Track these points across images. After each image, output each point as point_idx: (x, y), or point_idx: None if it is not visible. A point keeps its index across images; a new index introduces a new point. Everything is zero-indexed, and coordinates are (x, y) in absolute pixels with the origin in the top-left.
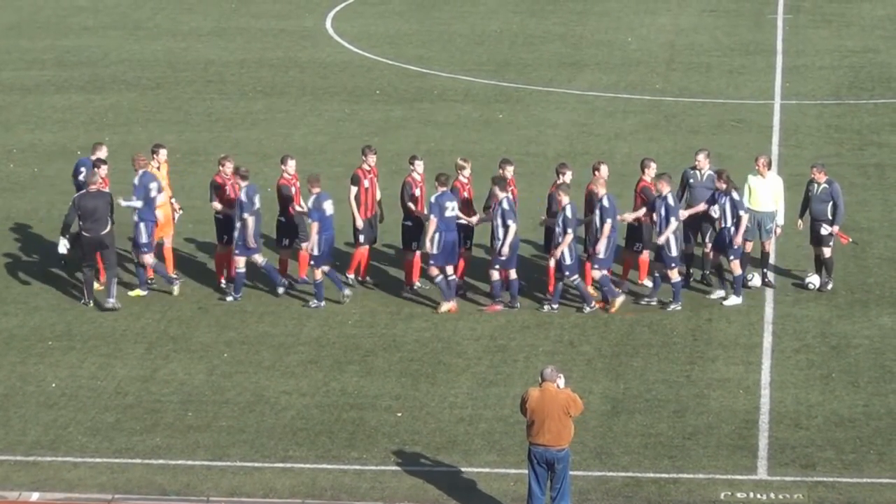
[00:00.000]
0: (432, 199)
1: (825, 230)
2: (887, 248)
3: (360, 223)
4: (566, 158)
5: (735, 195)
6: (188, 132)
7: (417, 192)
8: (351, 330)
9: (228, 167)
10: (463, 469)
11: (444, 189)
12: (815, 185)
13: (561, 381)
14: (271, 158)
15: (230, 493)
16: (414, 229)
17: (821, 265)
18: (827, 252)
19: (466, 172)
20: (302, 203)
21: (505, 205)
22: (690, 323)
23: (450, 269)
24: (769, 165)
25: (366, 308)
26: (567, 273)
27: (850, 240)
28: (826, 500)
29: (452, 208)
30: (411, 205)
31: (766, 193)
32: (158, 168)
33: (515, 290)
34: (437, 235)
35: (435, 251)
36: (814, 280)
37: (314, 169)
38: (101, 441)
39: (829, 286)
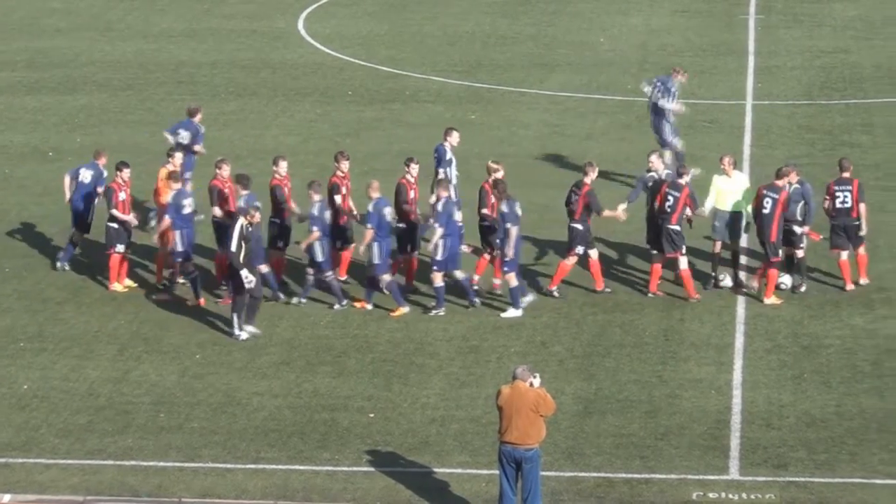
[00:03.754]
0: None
1: (798, 230)
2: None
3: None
4: (538, 159)
5: (505, 206)
6: (160, 133)
7: (412, 195)
8: (323, 331)
9: (226, 170)
10: (435, 470)
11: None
12: (788, 186)
13: (536, 381)
14: (243, 159)
15: (202, 495)
16: (408, 232)
17: (793, 266)
18: (799, 253)
19: (500, 175)
20: (293, 204)
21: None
22: (663, 323)
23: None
24: (734, 165)
25: (338, 309)
26: (506, 269)
27: (822, 237)
28: (798, 500)
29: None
30: (405, 206)
31: (732, 193)
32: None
33: (466, 288)
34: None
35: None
36: (785, 280)
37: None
38: (72, 443)
39: (803, 288)
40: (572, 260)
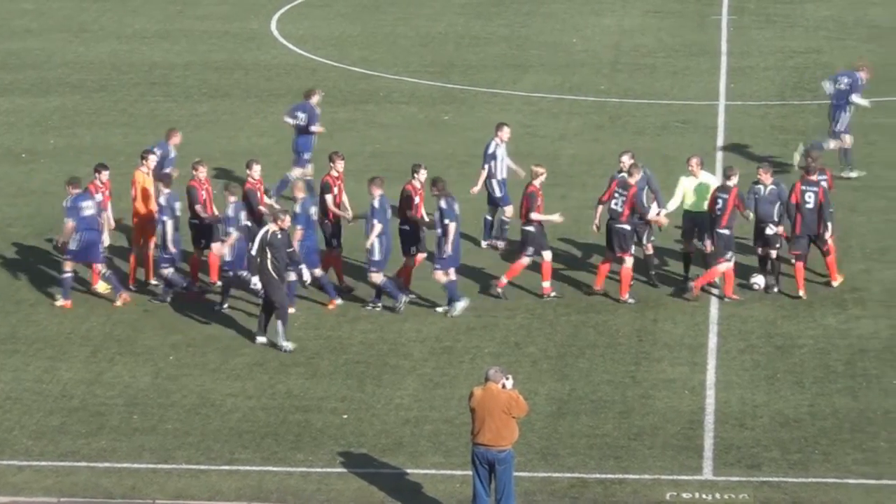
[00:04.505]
0: (443, 205)
1: (770, 230)
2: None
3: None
4: (511, 159)
5: (443, 203)
6: (133, 134)
7: (417, 200)
8: (296, 332)
9: (202, 171)
10: (409, 471)
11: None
12: (762, 187)
13: (509, 383)
14: (216, 161)
15: (176, 496)
16: (412, 234)
17: (766, 266)
18: (773, 253)
19: (543, 178)
20: (268, 201)
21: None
22: (636, 324)
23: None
24: (702, 165)
25: (311, 310)
26: (438, 266)
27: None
28: (771, 500)
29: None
30: (410, 212)
31: (700, 194)
32: (148, 173)
33: (391, 289)
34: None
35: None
36: (759, 280)
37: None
38: (46, 444)
39: (776, 288)
40: (629, 261)
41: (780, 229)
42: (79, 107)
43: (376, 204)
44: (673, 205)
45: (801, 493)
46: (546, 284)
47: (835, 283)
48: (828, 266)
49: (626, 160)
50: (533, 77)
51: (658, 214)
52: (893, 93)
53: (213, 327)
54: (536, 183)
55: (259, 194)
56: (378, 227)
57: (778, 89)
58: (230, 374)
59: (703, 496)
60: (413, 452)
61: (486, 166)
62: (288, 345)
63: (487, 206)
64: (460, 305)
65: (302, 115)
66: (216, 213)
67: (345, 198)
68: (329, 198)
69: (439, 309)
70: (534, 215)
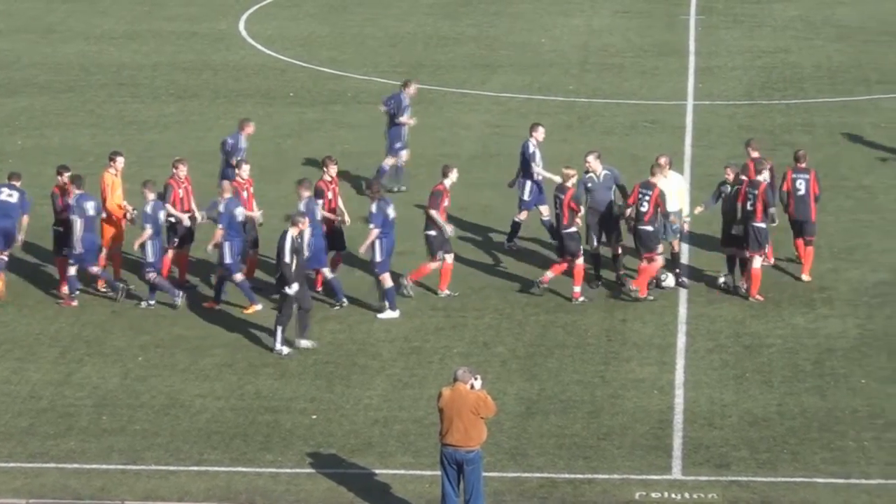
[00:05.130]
0: (374, 209)
1: (736, 230)
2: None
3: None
4: (480, 160)
5: (374, 207)
6: (101, 135)
7: (446, 202)
8: (266, 333)
9: (182, 170)
10: (378, 471)
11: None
12: (729, 186)
13: (477, 383)
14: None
15: (145, 497)
16: (440, 238)
17: (734, 265)
18: (748, 252)
19: (574, 180)
20: (255, 207)
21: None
22: (605, 324)
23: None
24: (670, 165)
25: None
26: (378, 270)
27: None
28: (740, 499)
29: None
30: (434, 212)
31: (668, 193)
32: (116, 175)
33: (337, 288)
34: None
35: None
36: (728, 280)
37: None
38: (14, 446)
39: (745, 286)
40: (660, 261)
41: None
42: (47, 107)
43: (302, 207)
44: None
45: (769, 493)
46: (577, 289)
47: (804, 278)
48: (805, 257)
49: (592, 160)
50: (501, 77)
51: (627, 214)
52: (860, 92)
53: (182, 328)
54: (569, 183)
55: (247, 195)
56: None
57: (746, 89)
58: (199, 375)
59: (672, 496)
60: (382, 453)
61: (532, 166)
62: (284, 349)
63: (518, 209)
64: (390, 314)
65: (393, 105)
66: (195, 211)
67: (340, 202)
68: (320, 202)
69: (381, 316)
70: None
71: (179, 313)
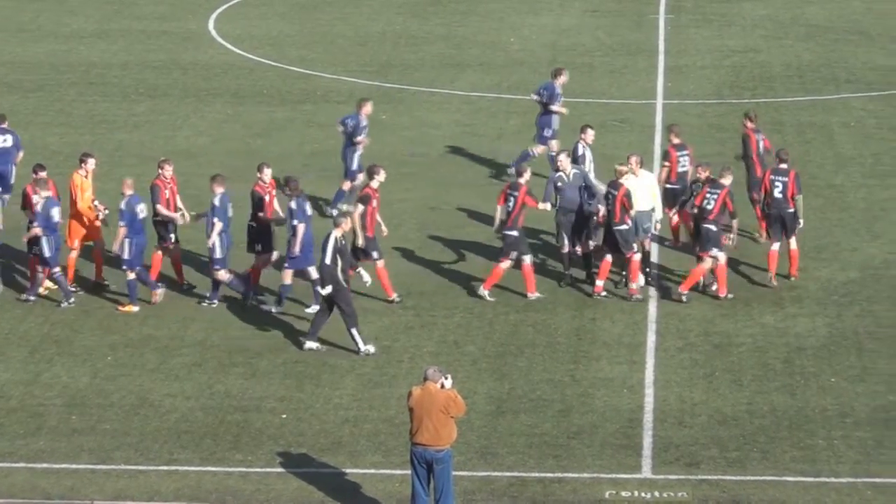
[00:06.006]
0: (293, 206)
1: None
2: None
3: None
4: (449, 159)
5: (293, 204)
6: (71, 134)
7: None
8: (235, 332)
9: (168, 170)
10: (348, 470)
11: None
12: (701, 184)
13: (448, 382)
14: (154, 161)
15: (115, 497)
16: (520, 239)
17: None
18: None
19: (627, 178)
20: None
21: (292, 205)
22: (575, 322)
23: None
24: (642, 164)
25: (250, 311)
26: (287, 265)
27: (729, 241)
28: (710, 497)
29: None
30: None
31: (640, 193)
32: (87, 176)
33: (237, 285)
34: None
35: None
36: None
37: (197, 171)
38: None
39: (714, 286)
40: (722, 257)
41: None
42: (16, 107)
43: (217, 202)
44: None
45: (739, 491)
46: (634, 286)
47: (793, 278)
48: (792, 258)
49: (563, 159)
50: (471, 76)
51: (598, 213)
52: (829, 91)
53: (151, 327)
54: (623, 180)
55: (269, 198)
56: (219, 225)
57: (715, 88)
58: (169, 375)
59: (642, 495)
60: (352, 452)
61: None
62: (370, 347)
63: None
64: (274, 307)
65: (544, 94)
66: (182, 209)
67: (276, 204)
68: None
69: (265, 307)
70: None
71: (149, 313)
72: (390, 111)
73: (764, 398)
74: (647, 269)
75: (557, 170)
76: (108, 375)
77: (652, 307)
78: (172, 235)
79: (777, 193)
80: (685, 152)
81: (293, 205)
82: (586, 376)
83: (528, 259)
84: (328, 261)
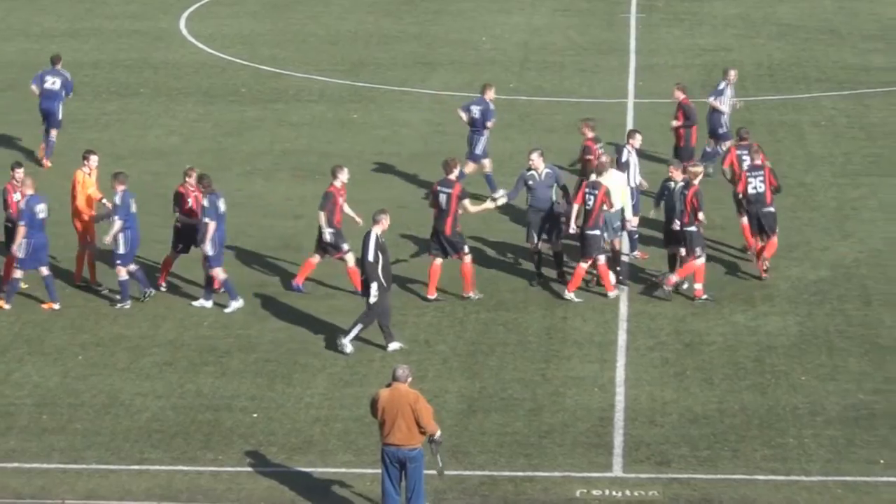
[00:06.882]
0: (117, 199)
1: (677, 226)
2: (741, 245)
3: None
4: (420, 158)
5: (206, 201)
6: (41, 134)
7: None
8: (206, 331)
9: (194, 177)
10: (319, 469)
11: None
12: (672, 183)
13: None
14: (124, 159)
15: (86, 496)
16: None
17: (675, 263)
18: (683, 251)
19: (700, 177)
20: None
21: (205, 203)
22: (546, 321)
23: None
24: (612, 163)
25: (221, 310)
26: (210, 264)
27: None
28: (681, 496)
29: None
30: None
31: (611, 192)
32: (90, 174)
33: (141, 277)
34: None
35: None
36: (672, 277)
37: (168, 170)
38: None
39: (685, 285)
40: (701, 261)
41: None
42: None
43: (118, 200)
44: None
45: (710, 490)
46: (698, 287)
47: (766, 260)
48: (769, 247)
49: (536, 158)
50: (442, 75)
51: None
52: (800, 90)
53: (122, 326)
54: (697, 182)
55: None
56: (119, 222)
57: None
58: (139, 374)
59: (613, 493)
60: (323, 451)
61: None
62: (349, 347)
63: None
64: (204, 303)
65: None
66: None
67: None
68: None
69: (195, 303)
70: (701, 216)
71: (119, 312)
72: (362, 110)
73: (735, 397)
74: (619, 269)
75: (529, 168)
76: (79, 375)
77: (623, 306)
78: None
79: (751, 190)
80: (600, 144)
81: (205, 202)
82: (557, 375)
83: (602, 259)
84: (370, 258)
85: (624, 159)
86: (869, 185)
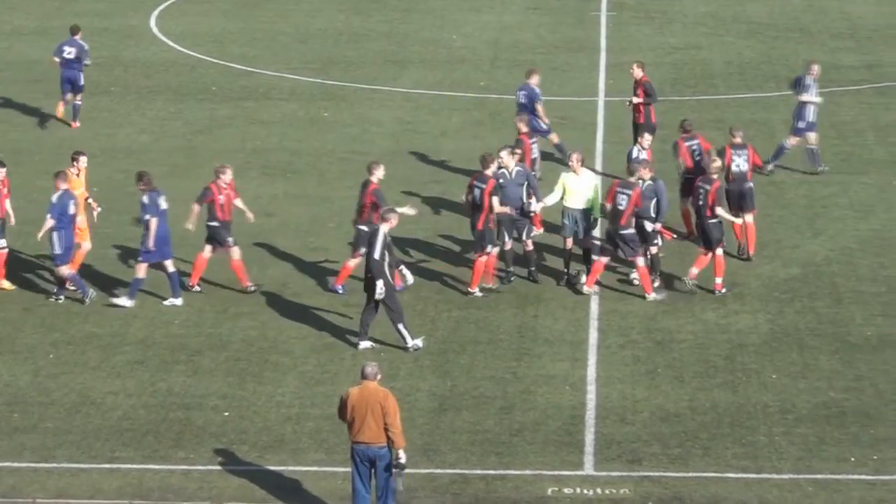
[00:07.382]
0: (146, 200)
1: (649, 227)
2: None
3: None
4: (392, 156)
5: (146, 198)
6: (12, 132)
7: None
8: (177, 330)
9: (229, 174)
10: (290, 468)
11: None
12: (641, 182)
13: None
14: (95, 157)
15: (57, 495)
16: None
17: (648, 262)
18: (653, 249)
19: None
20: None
21: (145, 199)
22: (517, 319)
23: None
24: (583, 162)
25: (192, 307)
26: (141, 259)
27: (674, 236)
28: (652, 494)
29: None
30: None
31: (581, 191)
32: (78, 175)
33: (78, 281)
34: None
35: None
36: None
37: (139, 168)
38: None
39: (656, 283)
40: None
41: (658, 225)
42: None
43: (54, 199)
44: (551, 200)
45: (681, 488)
46: (718, 281)
47: (750, 255)
48: (749, 234)
49: (505, 156)
50: (413, 73)
51: (535, 209)
52: (770, 88)
53: (93, 325)
54: (716, 175)
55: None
56: (51, 221)
57: (657, 85)
58: (111, 372)
59: (585, 491)
60: (294, 450)
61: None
62: (418, 342)
63: None
64: (125, 302)
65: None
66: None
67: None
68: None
69: (165, 301)
70: (719, 210)
71: (91, 310)
72: (332, 108)
73: (706, 395)
74: (588, 268)
75: (500, 167)
76: (50, 373)
77: (594, 304)
78: (230, 239)
79: (735, 168)
80: (534, 140)
81: (145, 199)
82: (528, 373)
83: (641, 262)
84: (377, 256)
85: (634, 156)
86: (839, 182)
